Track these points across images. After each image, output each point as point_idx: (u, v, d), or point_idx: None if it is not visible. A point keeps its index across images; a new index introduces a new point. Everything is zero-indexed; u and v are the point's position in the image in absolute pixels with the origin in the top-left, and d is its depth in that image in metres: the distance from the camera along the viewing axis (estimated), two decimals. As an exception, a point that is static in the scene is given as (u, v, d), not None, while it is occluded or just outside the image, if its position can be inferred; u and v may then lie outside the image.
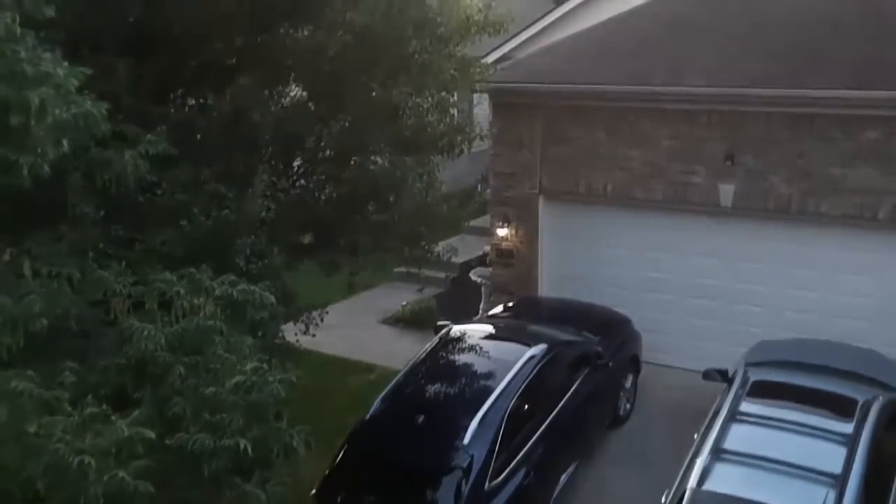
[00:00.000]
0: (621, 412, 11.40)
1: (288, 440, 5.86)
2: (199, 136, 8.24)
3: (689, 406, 10.40)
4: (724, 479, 8.00)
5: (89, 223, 6.88)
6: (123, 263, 6.30)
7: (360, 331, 14.17)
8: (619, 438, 11.17)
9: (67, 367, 5.55)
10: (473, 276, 14.16)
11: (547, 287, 13.16)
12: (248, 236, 7.58)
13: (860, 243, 11.22)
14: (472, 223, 16.52)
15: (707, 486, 7.93)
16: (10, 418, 5.18)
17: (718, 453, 8.29)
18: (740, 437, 8.49)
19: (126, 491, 4.85)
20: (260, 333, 6.60)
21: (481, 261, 15.10)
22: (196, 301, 6.12)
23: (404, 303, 14.70)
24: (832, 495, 7.61)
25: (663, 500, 8.26)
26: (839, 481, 7.73)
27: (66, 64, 5.17)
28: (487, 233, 14.07)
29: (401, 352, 11.88)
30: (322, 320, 10.54)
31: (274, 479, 5.97)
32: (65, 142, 5.24)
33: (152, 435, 5.04)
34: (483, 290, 13.90)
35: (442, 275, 15.47)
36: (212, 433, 5.46)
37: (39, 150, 5.24)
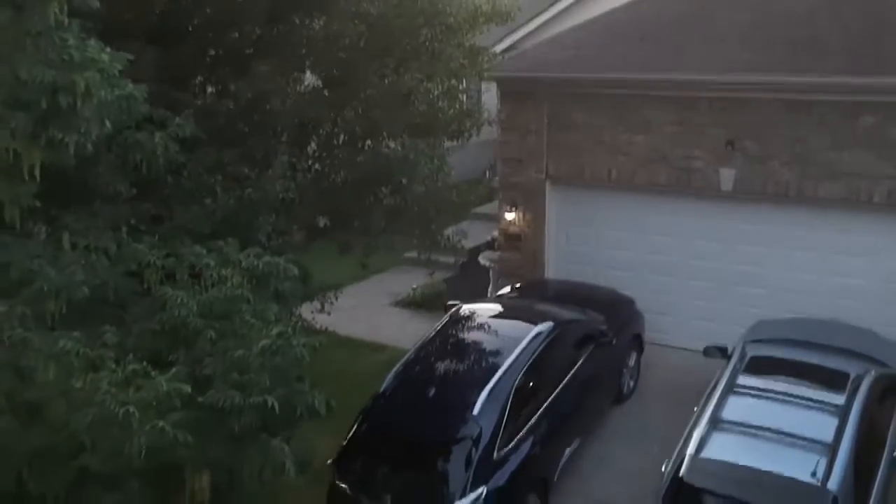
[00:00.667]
0: (625, 390, 11.87)
1: (310, 401, 6.36)
2: (220, 122, 8.69)
3: (691, 384, 10.84)
4: (721, 447, 8.51)
5: (121, 201, 7.37)
6: (156, 237, 6.78)
7: (372, 313, 14.67)
8: (622, 414, 11.63)
9: (108, 330, 6.04)
10: (482, 259, 14.62)
11: (553, 270, 13.64)
12: (270, 214, 8.06)
13: (857, 226, 11.65)
14: (481, 210, 17.03)
15: (704, 454, 8.44)
16: (56, 376, 5.69)
17: (716, 423, 8.79)
18: (737, 408, 8.98)
19: (166, 440, 5.35)
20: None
21: (489, 246, 15.57)
22: (224, 272, 6.62)
23: (415, 286, 15.19)
24: (823, 462, 8.09)
25: (663, 468, 8.71)
26: (830, 449, 8.22)
27: (108, 50, 5.65)
28: (495, 219, 14.55)
29: (411, 333, 12.34)
30: (336, 299, 11.02)
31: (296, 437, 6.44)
32: (107, 122, 5.72)
33: (188, 389, 5.54)
34: (491, 273, 14.37)
35: (452, 259, 15.91)
36: (241, 392, 5.95)
37: (83, 130, 5.73)
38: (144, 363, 5.72)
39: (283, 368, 6.13)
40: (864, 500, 8.16)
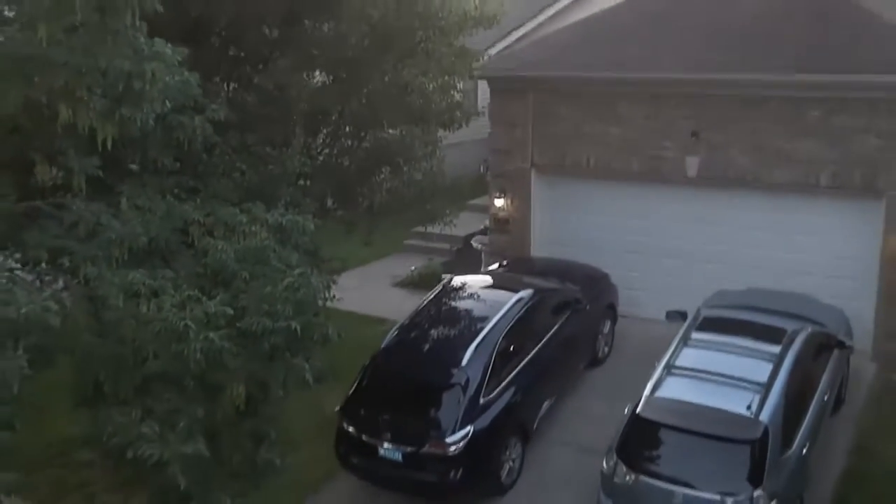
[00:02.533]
0: (600, 354, 13.63)
1: (324, 330, 8.08)
2: (247, 109, 10.43)
3: (661, 349, 12.31)
4: (673, 388, 10.26)
5: (166, 174, 9.11)
6: (197, 201, 8.52)
7: (374, 292, 16.39)
8: (597, 375, 13.37)
9: (164, 269, 7.78)
10: (474, 243, 16.38)
11: (538, 250, 15.43)
12: (288, 187, 9.81)
13: (806, 207, 13.43)
14: (474, 201, 18.85)
15: (658, 394, 10.17)
16: (126, 302, 7.40)
17: (670, 369, 10.54)
18: (688, 358, 10.74)
19: (215, 349, 7.06)
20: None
21: (482, 233, 17.32)
22: (253, 228, 8.36)
23: (413, 268, 16.91)
24: (757, 398, 9.80)
25: (626, 411, 10.38)
26: (764, 388, 9.91)
27: (169, 45, 7.40)
28: (487, 210, 16.28)
29: (410, 308, 13.92)
30: (336, 281, 12.70)
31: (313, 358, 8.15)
32: (167, 102, 7.47)
33: (231, 311, 7.27)
34: (483, 255, 16.11)
35: (447, 245, 17.69)
36: (270, 319, 7.66)
37: (147, 109, 7.46)
38: (196, 290, 7.43)
39: (303, 301, 7.82)
40: (794, 432, 9.84)
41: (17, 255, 8.11)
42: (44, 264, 8.09)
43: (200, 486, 7.28)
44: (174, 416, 7.19)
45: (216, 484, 7.55)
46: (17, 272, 7.74)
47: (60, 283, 8.48)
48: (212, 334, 6.99)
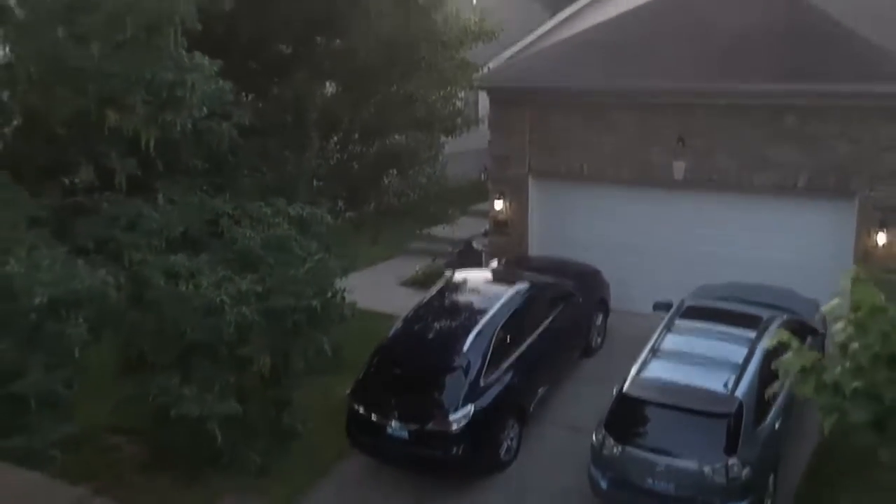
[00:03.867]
0: (593, 344, 14.78)
1: (341, 310, 9.25)
2: (266, 116, 11.66)
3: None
4: (657, 369, 11.36)
5: (196, 173, 10.32)
6: (228, 195, 9.73)
7: (381, 291, 17.51)
8: (590, 365, 14.50)
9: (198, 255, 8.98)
10: (475, 244, 17.57)
11: (536, 250, 16.65)
12: (305, 186, 11.02)
13: (784, 208, 14.57)
14: (474, 207, 20.02)
15: (643, 374, 11.27)
16: (166, 283, 8.59)
17: (655, 352, 11.67)
18: (671, 342, 11.86)
19: (247, 322, 8.23)
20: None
21: (483, 235, 18.48)
22: (277, 220, 9.56)
23: (418, 268, 18.06)
24: (733, 377, 10.88)
25: (614, 391, 11.47)
26: (740, 368, 10.99)
27: (206, 58, 8.64)
28: (487, 215, 17.44)
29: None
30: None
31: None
32: (204, 108, 8.69)
33: (260, 289, 8.45)
34: (483, 255, 17.27)
35: (449, 248, 18.85)
36: (293, 298, 8.84)
37: (184, 115, 8.68)
38: (228, 272, 8.62)
39: (322, 283, 9.00)
40: (769, 405, 10.90)
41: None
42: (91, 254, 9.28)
43: (231, 446, 8.42)
44: (209, 382, 8.35)
45: (246, 443, 8.69)
46: (69, 258, 8.91)
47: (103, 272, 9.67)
48: (244, 309, 8.15)
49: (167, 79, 8.23)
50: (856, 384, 4.84)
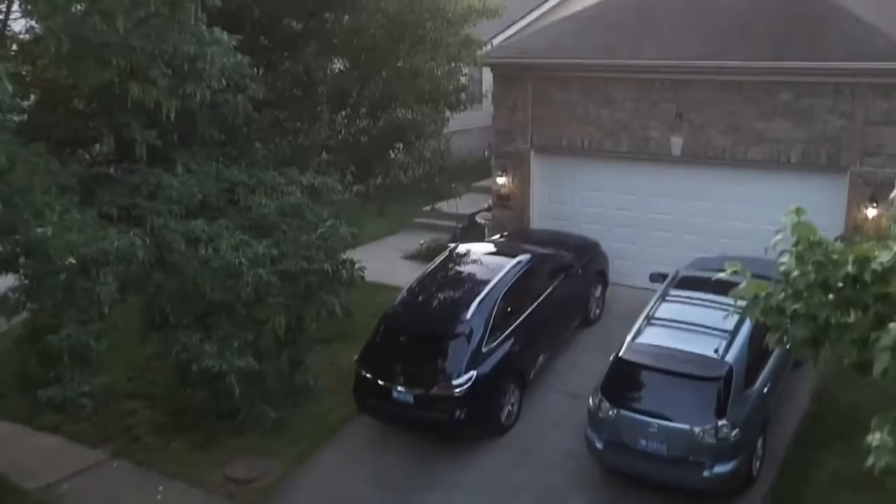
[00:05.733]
0: (592, 315, 15.42)
1: (350, 273, 9.88)
2: (278, 90, 12.27)
3: (647, 312, 14.24)
4: (652, 335, 11.99)
5: (213, 144, 10.93)
6: (243, 164, 10.34)
7: (386, 264, 18.10)
8: (589, 334, 15.15)
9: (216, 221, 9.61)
10: (479, 218, 18.18)
11: (537, 223, 17.29)
12: (315, 157, 11.63)
13: (778, 182, 15.14)
14: (478, 183, 20.61)
15: (638, 340, 11.89)
16: (187, 247, 9.22)
17: (650, 320, 12.29)
18: (666, 310, 12.49)
19: (263, 283, 8.87)
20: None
21: (486, 210, 19.08)
22: (290, 188, 10.17)
23: (422, 242, 18.66)
24: (724, 343, 11.50)
25: (611, 357, 12.10)
26: (730, 335, 11.60)
27: (225, 32, 9.23)
28: (490, 191, 18.01)
29: (420, 277, 15.78)
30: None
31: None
32: (223, 80, 9.28)
33: (276, 252, 9.07)
34: (486, 229, 17.88)
35: (454, 222, 19.46)
36: (306, 262, 9.47)
37: (204, 86, 9.27)
38: (245, 237, 9.25)
39: (333, 248, 9.63)
40: (756, 373, 11.56)
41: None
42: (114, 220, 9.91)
43: (248, 401, 9.07)
44: (229, 340, 8.99)
45: (262, 398, 9.35)
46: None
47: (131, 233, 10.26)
48: (261, 270, 8.78)
49: (188, 52, 8.83)
50: (795, 307, 5.63)
